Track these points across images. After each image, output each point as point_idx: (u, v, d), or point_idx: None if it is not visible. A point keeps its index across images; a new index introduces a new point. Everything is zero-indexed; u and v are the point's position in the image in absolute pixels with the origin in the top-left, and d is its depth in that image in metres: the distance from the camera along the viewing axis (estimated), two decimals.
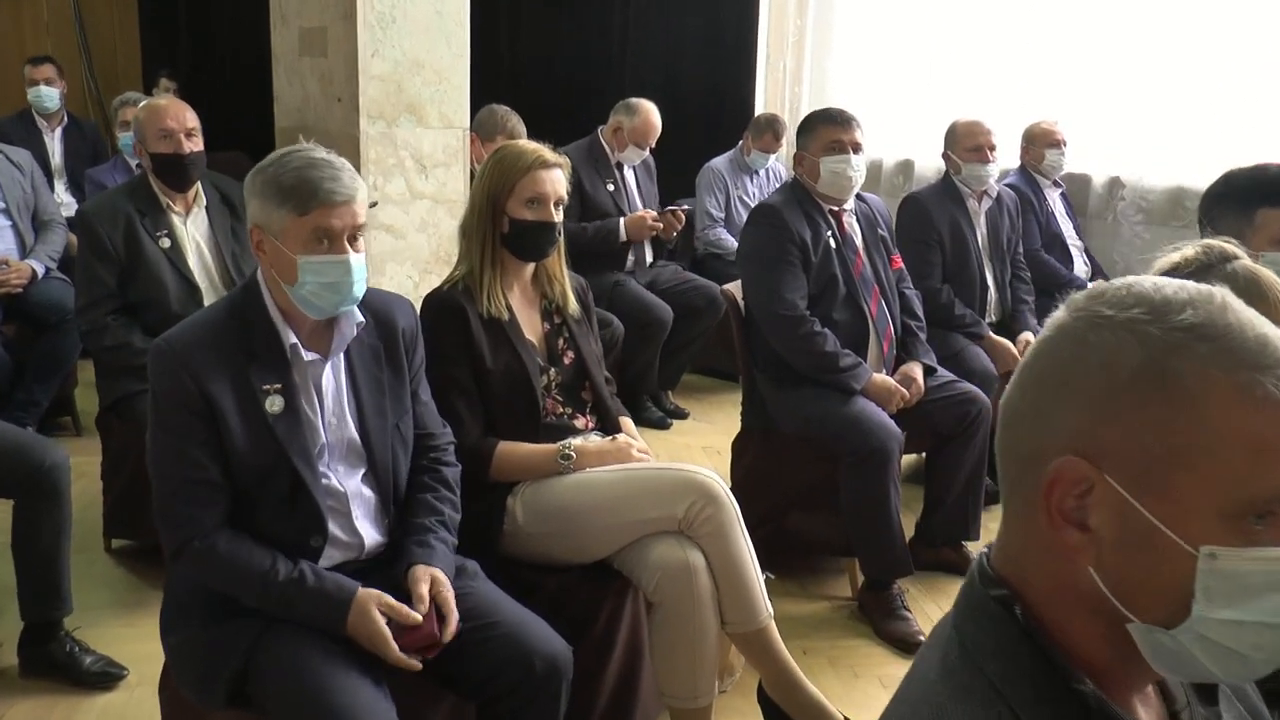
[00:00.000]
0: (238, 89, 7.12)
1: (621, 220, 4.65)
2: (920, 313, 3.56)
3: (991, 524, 3.49)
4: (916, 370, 3.35)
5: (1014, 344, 3.99)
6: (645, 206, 4.84)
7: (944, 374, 3.46)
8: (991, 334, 3.98)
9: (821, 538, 3.31)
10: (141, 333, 3.18)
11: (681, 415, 4.91)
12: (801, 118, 5.83)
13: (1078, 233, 4.85)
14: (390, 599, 1.83)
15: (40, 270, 4.26)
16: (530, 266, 2.47)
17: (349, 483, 1.97)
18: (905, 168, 5.47)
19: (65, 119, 5.57)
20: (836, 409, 3.12)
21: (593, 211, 4.63)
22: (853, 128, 3.24)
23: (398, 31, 3.51)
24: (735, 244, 5.22)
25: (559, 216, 2.40)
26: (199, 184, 3.34)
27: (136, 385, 3.12)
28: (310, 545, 1.91)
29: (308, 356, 1.93)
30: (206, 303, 3.23)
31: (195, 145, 3.26)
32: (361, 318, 1.97)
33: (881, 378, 3.24)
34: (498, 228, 2.38)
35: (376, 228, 3.59)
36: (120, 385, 3.17)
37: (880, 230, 3.45)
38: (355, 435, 1.98)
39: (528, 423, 2.36)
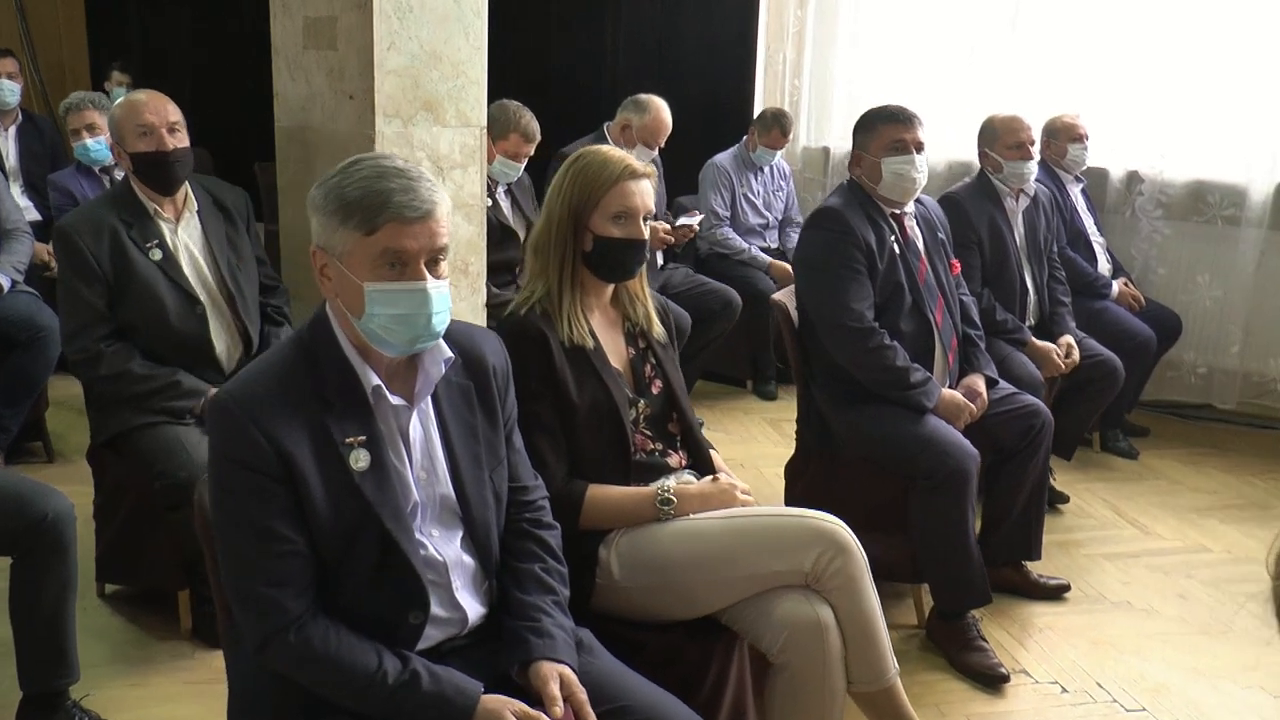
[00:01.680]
0: (198, 83, 6.72)
1: None
2: (978, 320, 3.36)
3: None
4: (980, 383, 3.15)
5: (1055, 348, 3.82)
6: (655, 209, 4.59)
7: (1004, 386, 3.27)
8: (1034, 339, 3.80)
9: (884, 563, 3.07)
10: (141, 357, 2.85)
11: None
12: (802, 111, 5.68)
13: (1099, 228, 4.71)
14: (525, 707, 1.57)
15: (6, 284, 3.89)
16: (610, 286, 2.21)
17: (447, 548, 1.69)
18: None
19: (20, 117, 5.13)
20: (908, 429, 2.91)
21: None
22: (915, 125, 3.03)
23: (415, 21, 3.20)
24: (741, 243, 5.02)
25: (647, 232, 2.14)
26: (188, 187, 3.01)
27: (137, 418, 2.81)
28: (409, 623, 1.63)
29: (394, 401, 1.65)
30: (209, 317, 2.92)
31: (180, 141, 2.92)
32: (449, 353, 1.69)
33: (951, 393, 3.03)
34: (579, 245, 2.12)
35: None
36: (118, 419, 2.83)
37: (940, 234, 3.24)
38: (450, 491, 1.71)
39: (618, 462, 2.10)
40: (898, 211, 3.08)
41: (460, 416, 1.73)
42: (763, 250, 5.11)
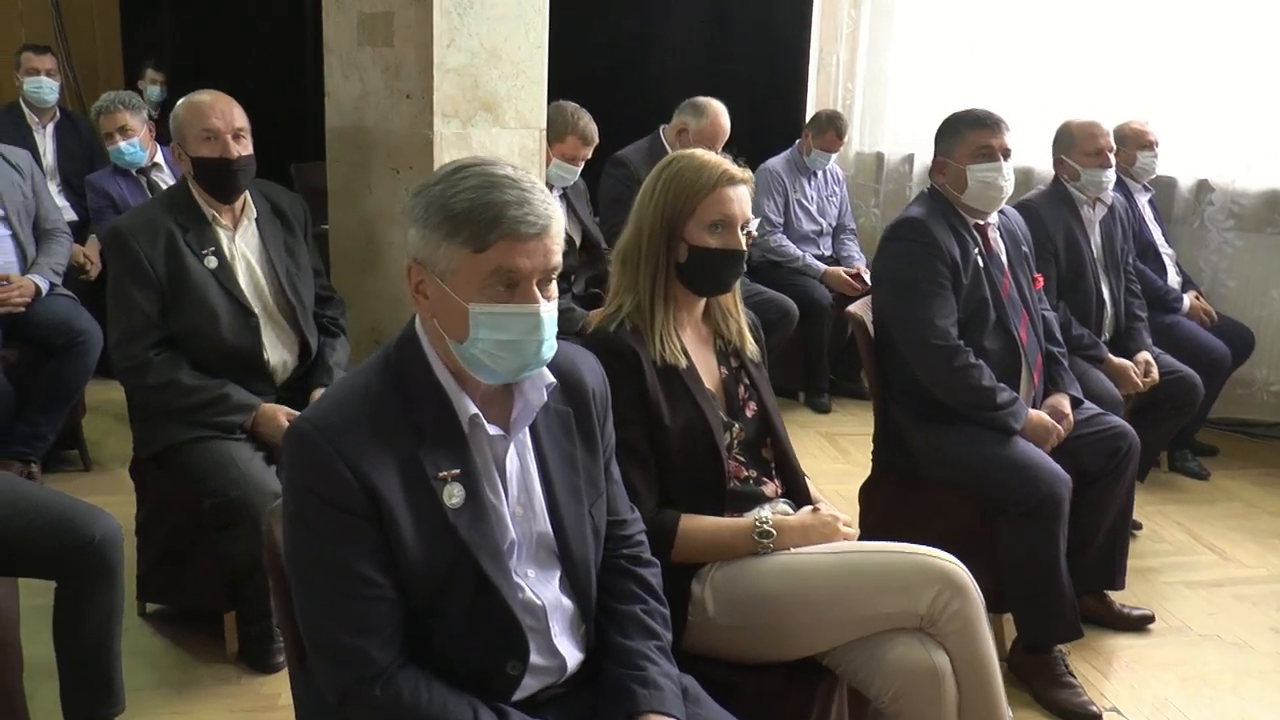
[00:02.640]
0: (234, 82, 6.60)
1: None
2: (1060, 336, 3.19)
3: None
4: (1065, 403, 2.99)
5: (1133, 365, 3.65)
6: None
7: (1089, 406, 3.10)
8: (1112, 356, 3.63)
9: None
10: (190, 368, 2.71)
11: None
12: (855, 114, 5.52)
13: (1166, 240, 4.53)
14: None
15: (44, 286, 3.77)
16: (703, 301, 2.06)
17: (545, 591, 1.54)
18: None
19: (58, 115, 5.02)
20: (996, 452, 2.75)
21: None
22: (1003, 130, 2.87)
23: (475, 18, 3.07)
24: (795, 250, 4.87)
25: (745, 242, 1.99)
26: (247, 193, 2.87)
27: (186, 432, 2.67)
28: (507, 673, 1.49)
29: (491, 431, 1.50)
30: (263, 330, 2.79)
31: (244, 148, 2.78)
32: (551, 378, 1.53)
33: (1038, 414, 2.87)
34: (673, 256, 1.97)
35: None
36: (166, 432, 2.70)
37: (1023, 246, 3.08)
38: (547, 528, 1.56)
39: (712, 491, 1.95)
40: (981, 222, 2.92)
41: (559, 446, 1.58)
42: (816, 258, 4.95)
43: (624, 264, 2.01)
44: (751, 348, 2.10)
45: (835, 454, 4.46)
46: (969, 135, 2.86)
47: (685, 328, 2.02)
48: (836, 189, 5.14)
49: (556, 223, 1.45)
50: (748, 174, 2.00)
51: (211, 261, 2.75)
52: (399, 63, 3.05)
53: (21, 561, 2.24)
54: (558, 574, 1.57)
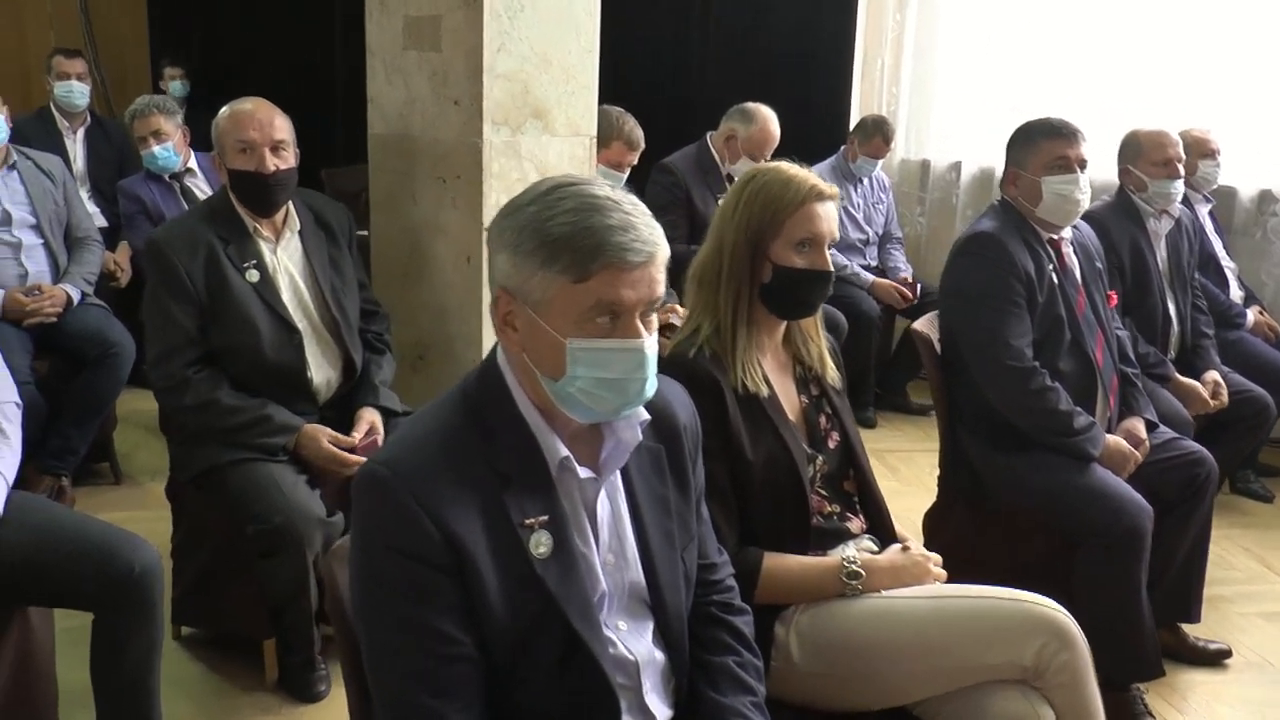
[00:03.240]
0: (262, 86, 6.52)
1: None
2: (1133, 357, 3.05)
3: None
4: (1141, 427, 2.85)
5: (1200, 385, 3.50)
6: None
7: (1163, 430, 2.96)
8: (1179, 376, 3.48)
9: None
10: (229, 386, 2.60)
11: None
12: (899, 121, 5.37)
13: (1228, 252, 4.37)
14: None
15: (76, 296, 3.67)
16: (783, 324, 1.93)
17: (638, 645, 1.42)
18: None
19: (88, 119, 4.93)
20: (1074, 480, 2.61)
21: (704, 232, 4.07)
22: (1079, 141, 2.73)
23: (526, 22, 2.95)
24: (841, 260, 4.73)
25: (831, 263, 1.86)
26: (290, 204, 2.76)
27: (227, 454, 2.55)
28: None
29: (583, 474, 1.38)
30: (306, 348, 2.67)
31: (284, 161, 2.65)
32: (645, 415, 1.41)
33: (1116, 440, 2.73)
34: (757, 276, 1.84)
35: None
36: (205, 454, 2.58)
37: (1097, 262, 2.94)
38: (640, 577, 1.43)
39: (796, 528, 1.82)
40: (1055, 236, 2.79)
41: (651, 487, 1.45)
42: (862, 268, 4.81)
43: (701, 284, 1.89)
44: (833, 374, 1.98)
45: (885, 471, 4.31)
46: (1044, 145, 2.73)
47: (766, 354, 1.90)
48: (883, 195, 5.00)
49: (662, 250, 1.33)
50: (834, 189, 1.88)
51: (253, 275, 2.64)
52: (446, 68, 2.94)
53: (59, 593, 2.15)
54: (650, 625, 1.45)
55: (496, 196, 2.98)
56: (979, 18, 5.14)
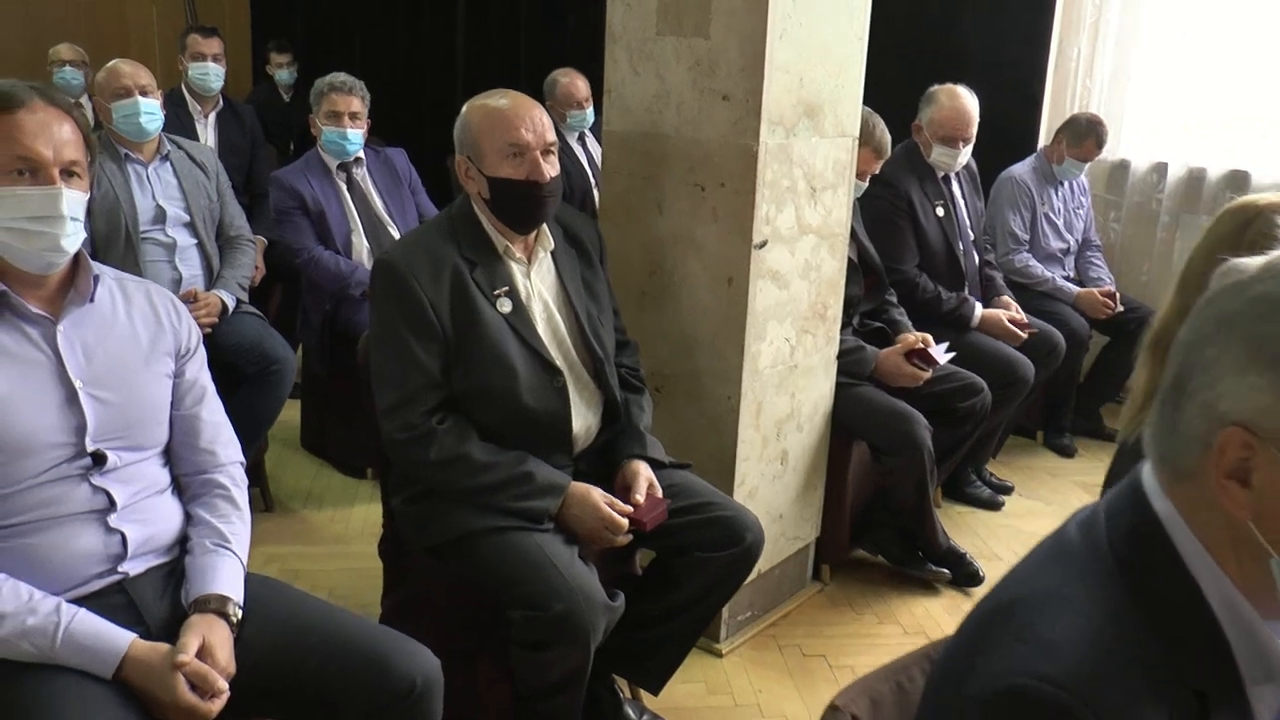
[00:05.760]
0: (366, 69, 6.11)
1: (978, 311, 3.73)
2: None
3: None
4: None
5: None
6: (972, 229, 3.84)
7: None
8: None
9: None
10: (479, 439, 2.16)
11: (1007, 490, 3.94)
12: (1091, 115, 4.86)
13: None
14: None
15: (230, 303, 3.25)
16: None
17: None
18: (1236, 180, 4.45)
19: (220, 103, 4.48)
20: None
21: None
22: None
23: (807, 6, 2.49)
24: (1044, 272, 4.27)
25: None
26: None
27: (481, 520, 2.12)
28: None
29: None
30: (571, 392, 2.24)
31: (554, 166, 2.21)
32: None
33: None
34: None
35: (762, 276, 2.57)
36: (454, 520, 2.14)
37: None
38: None
39: None
40: None
41: None
42: (1064, 279, 4.33)
43: None
44: None
45: None
46: None
47: None
48: (1083, 200, 4.51)
49: None
50: None
51: (505, 305, 2.20)
52: (714, 57, 2.48)
53: (326, 714, 1.73)
54: None
55: (766, 210, 2.53)
56: (1189, 4, 4.62)
